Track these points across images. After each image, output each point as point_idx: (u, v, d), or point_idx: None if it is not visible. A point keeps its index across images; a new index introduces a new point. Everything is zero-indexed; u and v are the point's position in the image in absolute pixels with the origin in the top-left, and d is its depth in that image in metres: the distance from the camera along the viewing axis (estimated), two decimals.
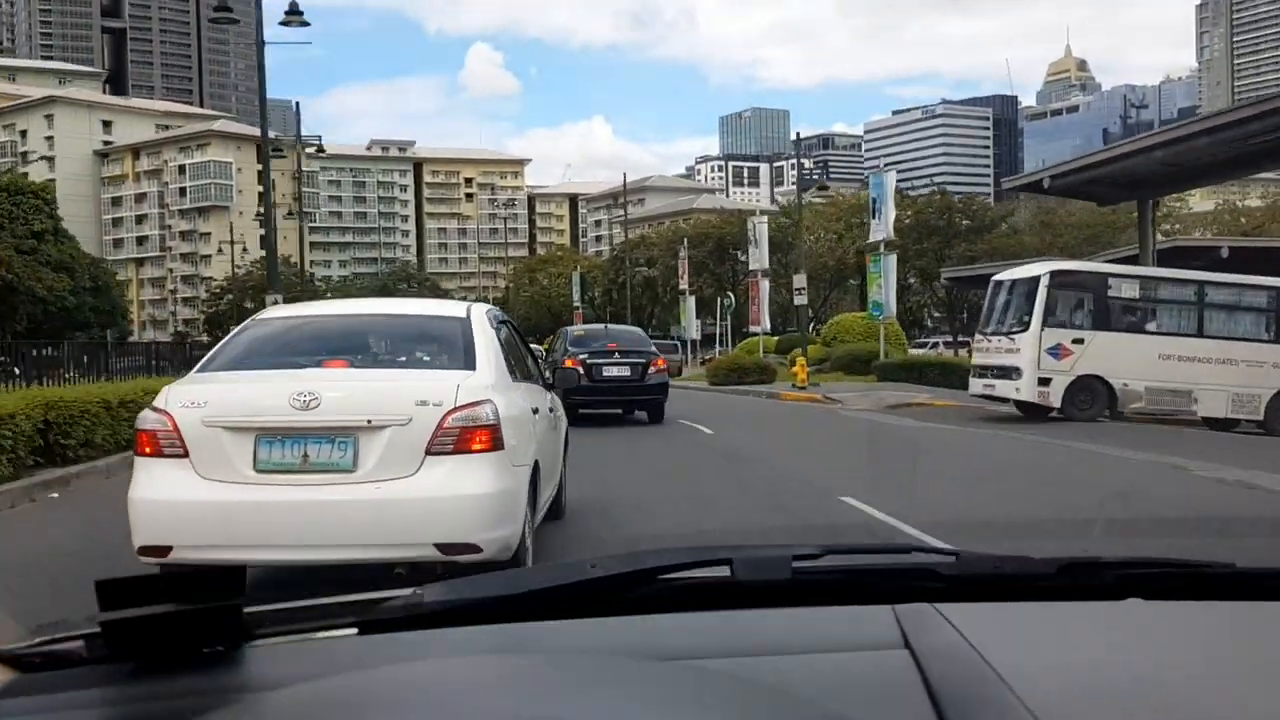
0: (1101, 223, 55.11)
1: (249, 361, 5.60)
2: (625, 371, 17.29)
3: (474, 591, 1.27)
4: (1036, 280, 17.85)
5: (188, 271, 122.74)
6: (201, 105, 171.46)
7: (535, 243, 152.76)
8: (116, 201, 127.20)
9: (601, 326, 21.49)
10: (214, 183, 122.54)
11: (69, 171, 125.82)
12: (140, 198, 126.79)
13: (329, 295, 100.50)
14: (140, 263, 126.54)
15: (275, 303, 29.55)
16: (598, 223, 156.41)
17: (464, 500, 4.92)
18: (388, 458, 4.92)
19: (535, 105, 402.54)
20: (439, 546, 4.87)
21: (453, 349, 5.68)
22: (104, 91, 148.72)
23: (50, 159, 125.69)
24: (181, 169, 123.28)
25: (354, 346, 5.95)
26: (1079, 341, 17.40)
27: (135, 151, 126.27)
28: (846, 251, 65.31)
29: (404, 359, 5.94)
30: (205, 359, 5.74)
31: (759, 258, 37.11)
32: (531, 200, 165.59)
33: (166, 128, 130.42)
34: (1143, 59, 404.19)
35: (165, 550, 4.91)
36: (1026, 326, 17.63)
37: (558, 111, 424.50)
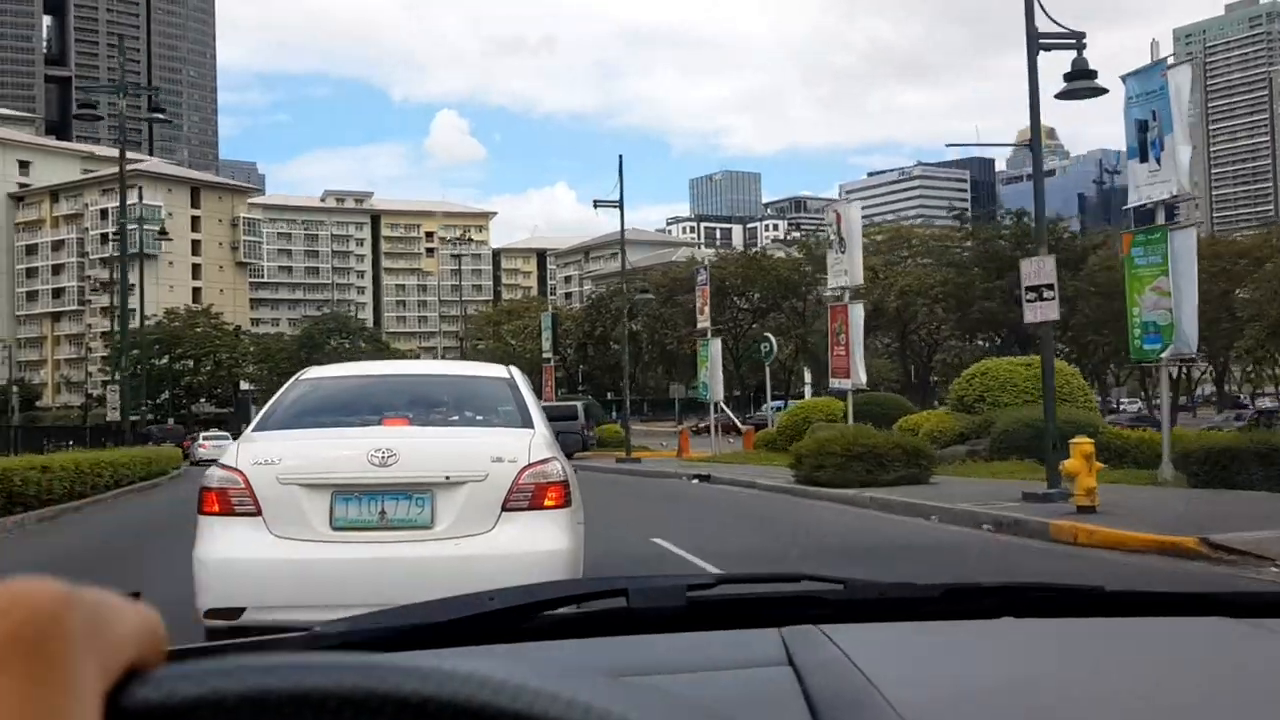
0: (1265, 246, 40.69)
1: (306, 420, 5.24)
2: None
3: (372, 624, 1.25)
4: None
5: (108, 327, 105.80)
6: (151, 156, 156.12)
7: (500, 300, 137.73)
8: (31, 250, 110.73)
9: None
10: (140, 228, 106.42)
11: None
12: (58, 245, 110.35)
13: (251, 350, 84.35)
14: (56, 318, 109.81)
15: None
16: (567, 279, 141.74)
17: (542, 556, 4.62)
18: (465, 514, 4.70)
19: (499, 171, 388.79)
20: None
21: (505, 408, 5.41)
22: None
23: None
24: (104, 213, 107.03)
25: (406, 405, 5.46)
26: None
27: (54, 194, 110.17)
28: (886, 293, 50.43)
29: (456, 417, 5.54)
30: (259, 418, 5.33)
31: (848, 267, 21.85)
32: (497, 256, 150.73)
33: (93, 171, 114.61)
34: (1114, 127, 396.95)
35: (237, 612, 4.56)
36: None
37: (521, 178, 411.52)
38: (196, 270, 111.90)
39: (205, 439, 45.92)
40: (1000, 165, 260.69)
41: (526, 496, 4.73)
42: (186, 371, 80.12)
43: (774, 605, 1.34)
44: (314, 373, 5.94)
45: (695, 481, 20.11)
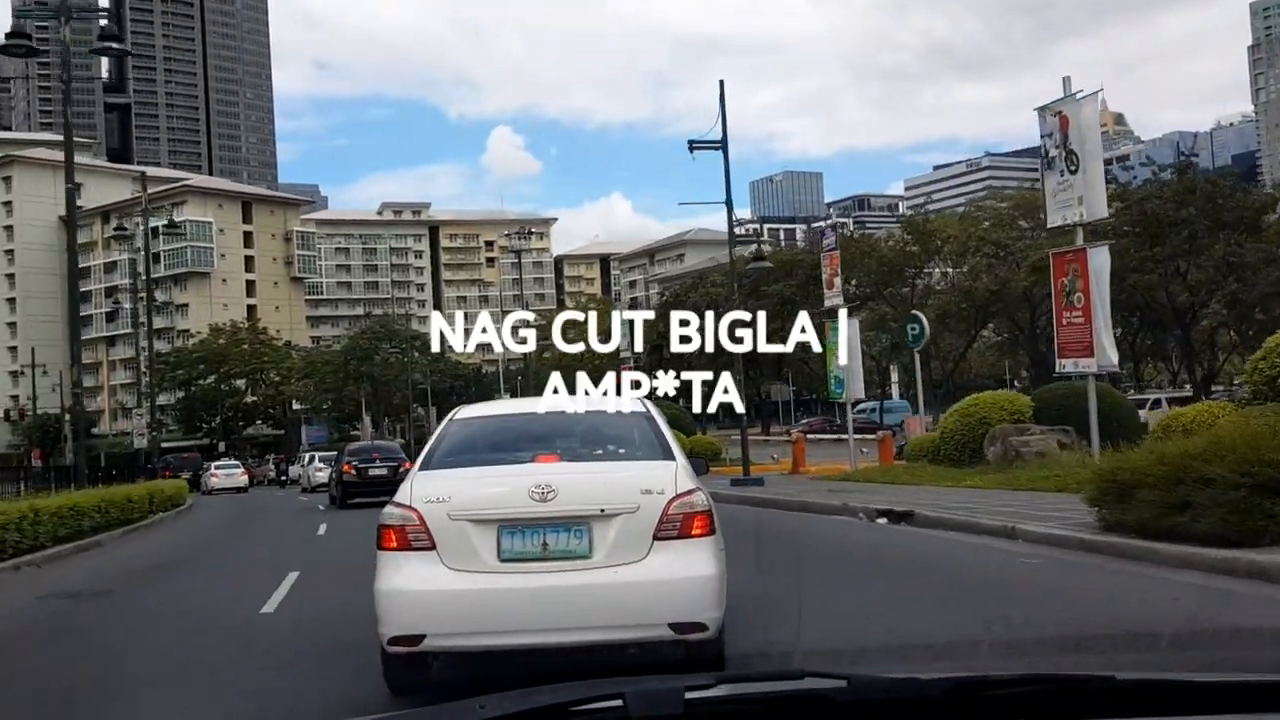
0: None
1: (466, 458, 5.49)
2: (384, 471, 23.40)
3: None
4: None
5: (163, 349, 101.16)
6: (212, 176, 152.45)
7: (564, 308, 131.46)
8: (84, 273, 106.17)
9: (370, 443, 33.02)
10: (191, 245, 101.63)
11: (30, 240, 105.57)
12: (110, 267, 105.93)
13: (297, 365, 78.28)
14: (111, 342, 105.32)
15: None
16: (632, 284, 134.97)
17: (693, 582, 4.82)
18: (619, 544, 4.85)
19: (556, 185, 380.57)
20: (672, 626, 4.73)
21: (647, 440, 5.57)
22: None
23: (8, 228, 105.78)
24: (155, 231, 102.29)
25: (555, 441, 5.66)
26: None
27: (105, 215, 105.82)
28: (1013, 272, 42.56)
29: (600, 451, 5.73)
30: (422, 457, 5.60)
31: (1082, 192, 14.56)
32: (559, 263, 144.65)
33: (147, 191, 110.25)
34: (1182, 111, 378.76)
35: (418, 639, 4.78)
36: None
37: (577, 190, 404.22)
38: (251, 287, 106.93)
39: (216, 469, 41.33)
40: None
41: (675, 526, 4.86)
42: (234, 392, 74.30)
43: (776, 707, 1.27)
44: (465, 412, 6.21)
45: (883, 522, 12.83)
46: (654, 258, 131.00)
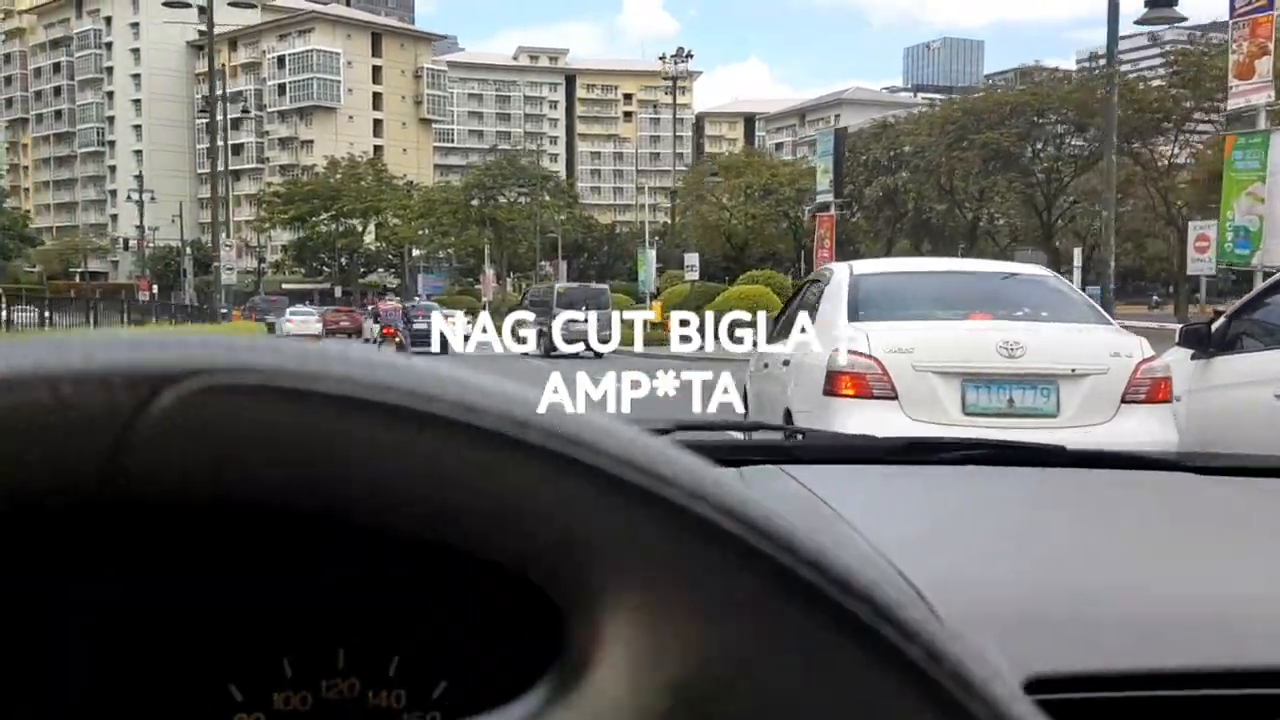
0: None
1: (897, 312, 5.21)
2: (424, 326, 22.26)
3: None
4: None
5: (285, 186, 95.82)
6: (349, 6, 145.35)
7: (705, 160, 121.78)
8: (209, 103, 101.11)
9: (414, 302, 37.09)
10: (317, 78, 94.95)
11: (157, 65, 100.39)
12: (236, 97, 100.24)
13: (414, 204, 71.14)
14: (236, 176, 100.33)
15: None
16: (778, 146, 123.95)
17: (1160, 446, 4.48)
18: (1087, 405, 4.82)
19: (693, 47, 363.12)
20: None
21: (1076, 306, 5.44)
22: None
23: (136, 51, 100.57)
24: (281, 61, 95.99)
25: (978, 300, 5.41)
26: None
27: (232, 41, 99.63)
28: None
29: (1021, 313, 5.36)
30: (846, 310, 5.26)
31: None
32: (700, 121, 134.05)
33: (273, 18, 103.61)
34: None
35: None
36: None
37: (714, 54, 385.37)
38: (378, 127, 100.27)
39: (292, 314, 37.83)
40: None
41: (1143, 391, 4.79)
42: (349, 233, 67.76)
43: (730, 451, 1.32)
44: (864, 267, 5.98)
45: None
46: (804, 118, 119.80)
